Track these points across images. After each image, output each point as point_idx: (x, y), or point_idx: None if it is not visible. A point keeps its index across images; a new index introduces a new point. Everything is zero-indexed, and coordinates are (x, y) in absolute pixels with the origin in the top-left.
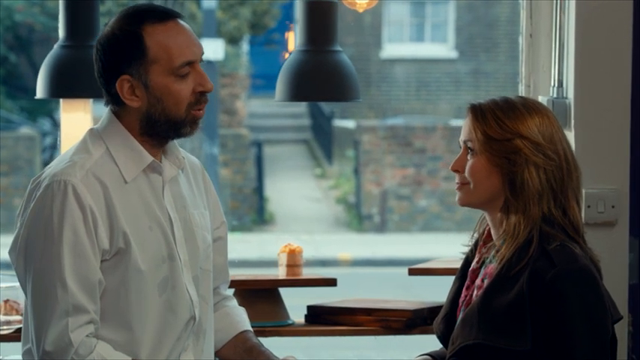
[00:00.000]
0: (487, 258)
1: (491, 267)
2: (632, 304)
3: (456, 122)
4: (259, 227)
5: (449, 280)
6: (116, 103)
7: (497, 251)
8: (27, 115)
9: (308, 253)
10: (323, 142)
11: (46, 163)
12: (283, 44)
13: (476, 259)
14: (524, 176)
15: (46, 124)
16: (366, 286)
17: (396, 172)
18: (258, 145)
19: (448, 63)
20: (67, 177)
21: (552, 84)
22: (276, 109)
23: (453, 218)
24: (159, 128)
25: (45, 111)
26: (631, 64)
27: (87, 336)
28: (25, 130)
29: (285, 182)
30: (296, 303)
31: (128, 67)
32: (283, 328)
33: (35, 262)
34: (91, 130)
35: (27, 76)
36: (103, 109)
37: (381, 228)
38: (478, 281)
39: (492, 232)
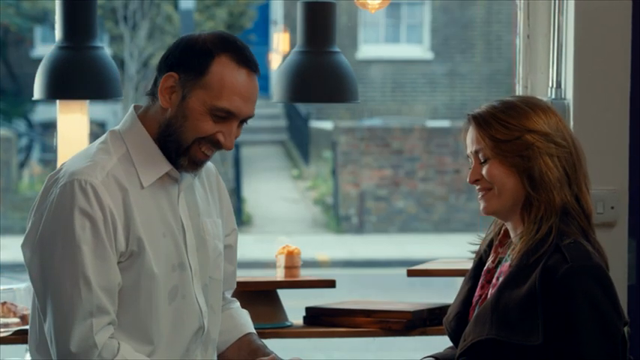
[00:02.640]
0: (503, 257)
1: (507, 265)
2: (630, 305)
3: (432, 123)
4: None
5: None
6: (154, 96)
7: (514, 249)
8: (2, 116)
9: None
10: (299, 143)
11: (22, 164)
12: (261, 45)
13: (491, 259)
14: (542, 168)
15: (21, 125)
16: (348, 288)
17: (373, 173)
18: (236, 146)
19: (424, 64)
20: (88, 177)
21: (550, 85)
22: None
23: (431, 219)
24: (168, 144)
25: (20, 112)
26: (630, 65)
27: (109, 337)
28: (1, 131)
29: (263, 183)
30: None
31: (182, 72)
32: (282, 329)
33: (55, 262)
34: (112, 131)
35: (2, 77)
36: (100, 111)
37: (359, 229)
38: (494, 280)
39: (511, 234)
